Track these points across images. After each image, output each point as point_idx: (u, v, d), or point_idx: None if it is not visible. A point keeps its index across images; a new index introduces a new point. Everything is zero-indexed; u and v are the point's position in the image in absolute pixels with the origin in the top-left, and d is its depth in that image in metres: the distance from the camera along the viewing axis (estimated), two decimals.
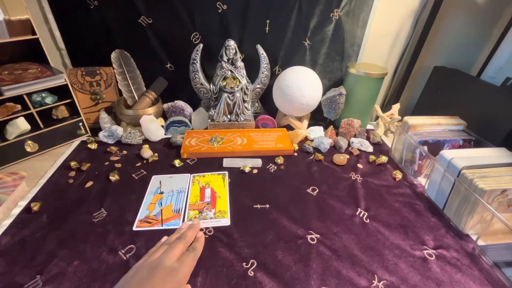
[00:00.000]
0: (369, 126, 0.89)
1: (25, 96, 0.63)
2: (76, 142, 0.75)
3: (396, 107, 0.86)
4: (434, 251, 0.47)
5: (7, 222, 0.50)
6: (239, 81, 0.79)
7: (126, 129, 0.74)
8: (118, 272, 0.42)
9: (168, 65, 0.83)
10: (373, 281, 0.42)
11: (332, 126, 0.81)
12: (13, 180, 0.58)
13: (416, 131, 0.68)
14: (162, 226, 0.50)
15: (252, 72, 0.83)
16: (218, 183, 0.61)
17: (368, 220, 0.53)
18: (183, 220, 0.52)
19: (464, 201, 0.49)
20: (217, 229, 0.50)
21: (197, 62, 0.78)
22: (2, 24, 0.60)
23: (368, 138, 0.80)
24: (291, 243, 0.48)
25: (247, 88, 0.81)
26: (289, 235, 0.49)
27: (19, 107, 0.64)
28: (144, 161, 0.68)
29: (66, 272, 0.42)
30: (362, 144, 0.76)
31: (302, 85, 0.75)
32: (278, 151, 0.72)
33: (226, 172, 0.64)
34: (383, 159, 0.70)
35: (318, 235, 0.49)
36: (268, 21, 0.78)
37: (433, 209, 0.57)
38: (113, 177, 0.61)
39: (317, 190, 0.60)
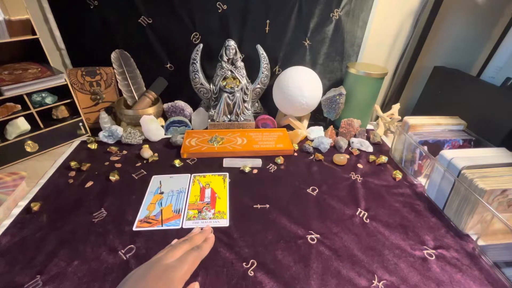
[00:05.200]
0: (369, 126, 0.89)
1: (25, 96, 0.63)
2: (76, 142, 0.75)
3: (396, 107, 0.86)
4: (434, 251, 0.47)
5: (7, 222, 0.50)
6: (239, 81, 0.79)
7: (126, 129, 0.74)
8: (118, 272, 0.42)
9: (168, 65, 0.83)
10: (373, 281, 0.42)
11: (332, 126, 0.81)
12: (13, 180, 0.58)
13: (416, 131, 0.68)
14: (162, 226, 0.50)
15: (252, 72, 0.83)
16: (219, 184, 0.61)
17: (368, 220, 0.53)
18: (183, 220, 0.52)
19: (464, 201, 0.49)
20: (217, 229, 0.50)
21: (197, 62, 0.78)
22: (2, 24, 0.60)
23: (368, 138, 0.80)
24: (291, 243, 0.48)
25: (247, 88, 0.81)
26: (289, 235, 0.49)
27: (19, 107, 0.65)
28: (144, 161, 0.68)
29: (66, 272, 0.42)
30: (362, 144, 0.76)
31: (302, 85, 0.75)
32: (278, 151, 0.72)
33: (227, 173, 0.64)
34: (383, 159, 0.70)
35: (318, 235, 0.49)
36: (268, 21, 0.78)
37: (433, 209, 0.57)
38: (113, 177, 0.61)
39: (317, 190, 0.60)
